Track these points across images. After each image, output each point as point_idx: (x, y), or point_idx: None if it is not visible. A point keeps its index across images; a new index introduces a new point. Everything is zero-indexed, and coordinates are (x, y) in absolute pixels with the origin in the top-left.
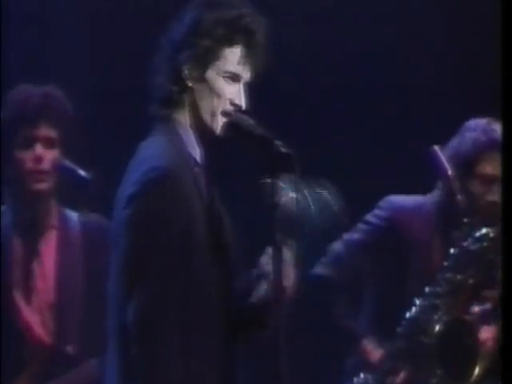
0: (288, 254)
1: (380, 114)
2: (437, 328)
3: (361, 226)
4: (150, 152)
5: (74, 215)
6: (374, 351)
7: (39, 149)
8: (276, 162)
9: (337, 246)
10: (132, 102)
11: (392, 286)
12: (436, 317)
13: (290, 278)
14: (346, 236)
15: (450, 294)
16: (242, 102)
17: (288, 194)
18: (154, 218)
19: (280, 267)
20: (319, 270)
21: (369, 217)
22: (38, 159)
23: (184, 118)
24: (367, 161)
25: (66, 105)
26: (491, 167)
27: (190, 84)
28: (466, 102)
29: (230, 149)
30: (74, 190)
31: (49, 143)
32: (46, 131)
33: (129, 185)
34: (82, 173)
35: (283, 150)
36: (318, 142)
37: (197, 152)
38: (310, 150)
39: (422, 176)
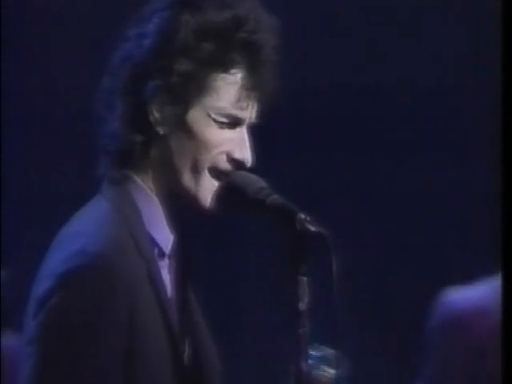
0: None
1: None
2: None
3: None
4: (80, 228)
5: None
6: None
7: None
8: (301, 246)
9: None
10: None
11: None
12: None
13: None
14: None
15: None
16: (246, 155)
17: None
18: (75, 328)
19: None
20: None
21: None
22: None
23: (148, 182)
24: None
25: None
26: None
27: (162, 131)
28: None
29: (226, 228)
30: None
31: None
32: None
33: (42, 279)
34: None
35: (312, 227)
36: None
37: (164, 234)
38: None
39: None
